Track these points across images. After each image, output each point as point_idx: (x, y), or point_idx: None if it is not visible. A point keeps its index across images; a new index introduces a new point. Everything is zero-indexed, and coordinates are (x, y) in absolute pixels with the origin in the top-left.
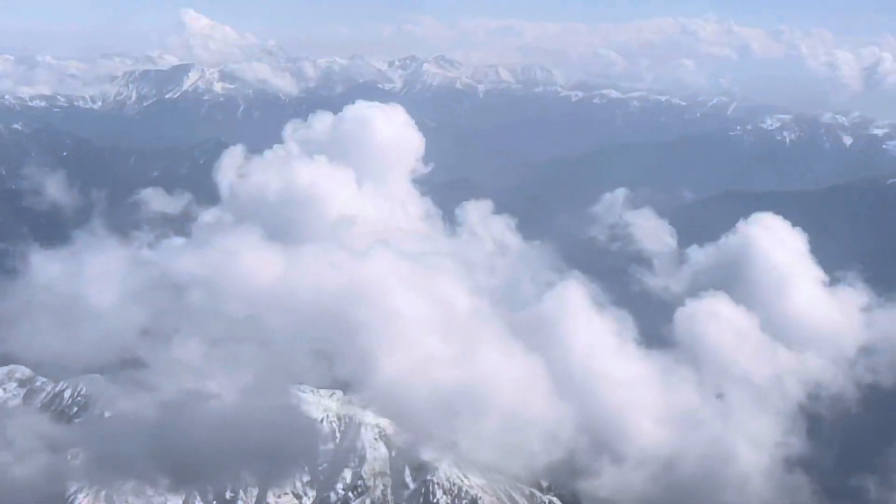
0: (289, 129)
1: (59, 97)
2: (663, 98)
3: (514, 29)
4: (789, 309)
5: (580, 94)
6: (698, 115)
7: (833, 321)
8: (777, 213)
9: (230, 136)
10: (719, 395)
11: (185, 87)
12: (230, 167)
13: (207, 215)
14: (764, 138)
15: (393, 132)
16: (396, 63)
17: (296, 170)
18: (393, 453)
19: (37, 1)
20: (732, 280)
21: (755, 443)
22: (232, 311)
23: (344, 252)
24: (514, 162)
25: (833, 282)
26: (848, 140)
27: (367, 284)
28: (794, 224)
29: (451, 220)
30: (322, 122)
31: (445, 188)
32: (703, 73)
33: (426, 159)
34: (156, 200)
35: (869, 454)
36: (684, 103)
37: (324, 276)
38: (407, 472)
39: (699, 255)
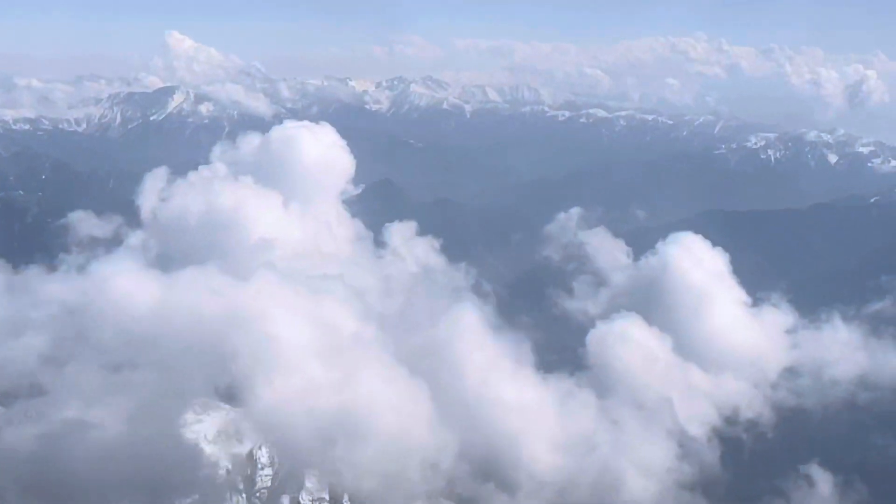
0: (217, 150)
1: (43, 120)
2: (650, 117)
3: (506, 49)
4: (706, 331)
5: (567, 113)
6: (685, 133)
7: (755, 343)
8: (755, 231)
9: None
10: (618, 420)
11: (169, 110)
12: (152, 189)
13: (133, 238)
14: (748, 157)
15: (322, 152)
16: (384, 84)
17: (218, 191)
18: (276, 481)
19: (22, 27)
20: (651, 301)
21: (649, 468)
22: (125, 337)
23: (232, 276)
24: (499, 182)
25: (799, 302)
26: (833, 158)
27: (251, 309)
28: (773, 242)
29: (380, 242)
30: (250, 142)
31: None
32: (689, 92)
33: (413, 179)
34: (84, 223)
35: (779, 478)
36: (671, 122)
37: (208, 301)
38: (287, 500)
39: (619, 276)
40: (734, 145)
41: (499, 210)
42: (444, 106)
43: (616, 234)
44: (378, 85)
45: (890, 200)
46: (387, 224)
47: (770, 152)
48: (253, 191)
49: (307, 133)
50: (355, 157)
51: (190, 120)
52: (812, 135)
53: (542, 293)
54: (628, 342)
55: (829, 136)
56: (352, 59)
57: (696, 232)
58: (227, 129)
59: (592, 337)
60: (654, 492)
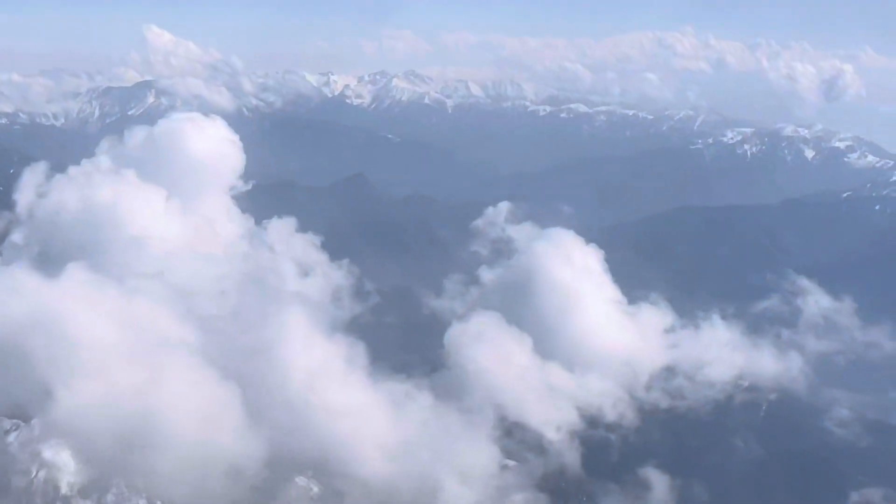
0: (104, 144)
1: (20, 114)
2: (630, 112)
3: (495, 43)
4: (574, 330)
5: (548, 108)
6: (664, 128)
7: (629, 344)
8: (727, 227)
9: None
10: (450, 424)
11: (147, 104)
12: (30, 185)
13: (15, 236)
14: (724, 152)
15: (210, 147)
16: (366, 78)
17: (97, 187)
18: (77, 488)
19: (2, 21)
20: (519, 300)
21: (471, 474)
22: None
23: (102, 274)
24: (476, 177)
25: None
26: (810, 153)
27: (56, 310)
28: (741, 237)
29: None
30: (136, 136)
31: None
32: (669, 87)
33: (388, 174)
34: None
35: (624, 479)
36: (651, 117)
37: (10, 302)
38: None
39: (488, 274)
40: (711, 140)
41: (463, 205)
42: (426, 101)
43: (579, 232)
44: (360, 79)
45: (861, 196)
46: (265, 221)
47: (746, 147)
48: (134, 186)
49: (194, 127)
50: (330, 151)
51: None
52: (789, 130)
53: (418, 292)
54: (483, 342)
55: (806, 131)
56: (340, 54)
57: (666, 227)
58: None
59: (450, 336)
60: (476, 498)
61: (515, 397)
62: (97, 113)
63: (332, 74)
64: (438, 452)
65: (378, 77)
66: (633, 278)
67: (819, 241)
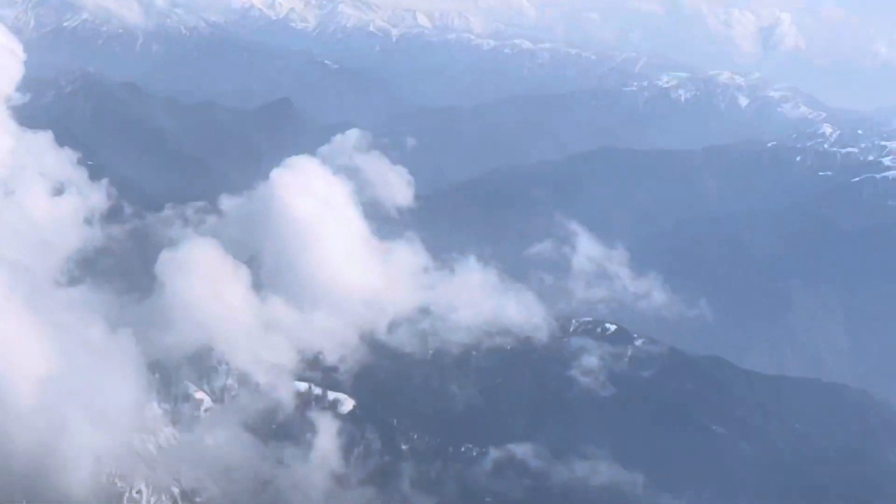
0: None
1: None
2: (574, 51)
3: None
4: (309, 266)
5: (492, 42)
6: (605, 69)
7: (372, 282)
8: (645, 171)
9: (123, 69)
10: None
11: (83, 16)
12: None
13: None
14: (658, 95)
15: None
16: (313, 2)
17: None
18: None
19: None
20: (254, 232)
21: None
22: None
23: None
24: (408, 108)
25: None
26: (744, 101)
27: None
28: (658, 182)
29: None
30: None
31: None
32: (610, 27)
33: (320, 101)
34: None
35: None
36: (594, 58)
37: None
38: None
39: (230, 203)
40: (645, 83)
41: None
42: (371, 28)
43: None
44: (307, 3)
45: (785, 146)
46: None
47: (681, 92)
48: None
49: None
50: (264, 74)
51: (104, 28)
52: (724, 76)
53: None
54: (195, 271)
55: (742, 79)
56: None
57: (581, 169)
58: (140, 41)
59: (161, 264)
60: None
61: (225, 333)
62: (32, 22)
63: None
64: (89, 386)
65: (325, 1)
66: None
67: (737, 189)
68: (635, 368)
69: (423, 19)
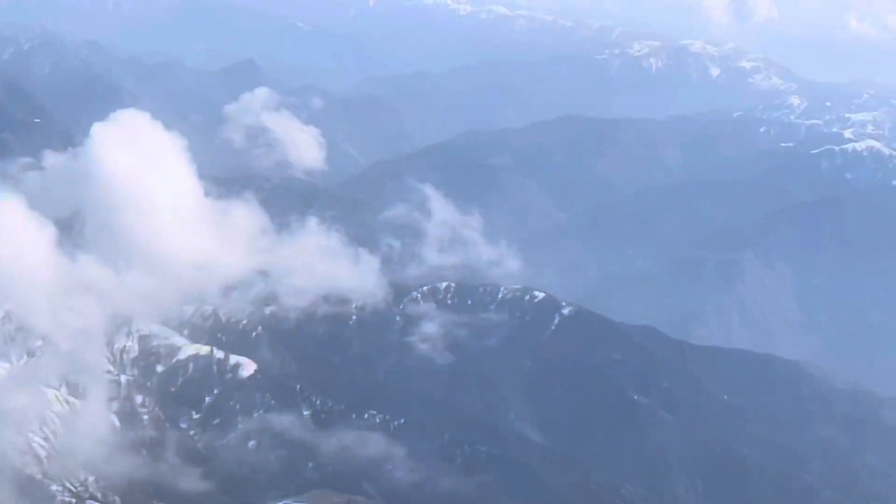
0: None
1: None
2: (550, 18)
3: None
4: (132, 227)
5: (469, 7)
6: (581, 37)
7: (203, 244)
8: (607, 139)
9: (94, 28)
10: None
11: None
12: None
13: None
14: (630, 64)
15: None
16: None
17: None
18: None
19: None
20: (75, 191)
21: None
22: None
23: None
24: (380, 72)
25: None
26: (715, 71)
27: None
28: (622, 150)
29: None
30: None
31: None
32: None
33: (296, 65)
34: None
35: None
36: (570, 24)
37: None
38: None
39: (54, 159)
40: (616, 51)
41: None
42: None
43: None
44: None
45: (752, 117)
46: None
47: (652, 61)
48: None
49: None
50: (235, 35)
51: None
52: (697, 46)
53: None
54: None
55: (715, 49)
56: None
57: (542, 136)
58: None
59: None
60: None
61: (26, 296)
62: None
63: None
64: None
65: None
66: None
67: (698, 159)
68: (558, 337)
69: None
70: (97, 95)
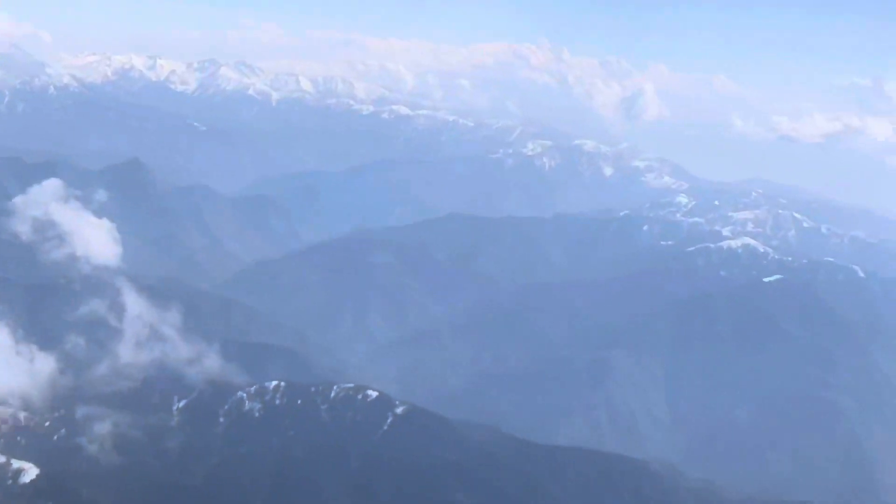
0: None
1: None
2: (451, 118)
3: (358, 42)
4: None
5: (371, 108)
6: (481, 136)
7: None
8: (485, 237)
9: None
10: None
11: None
12: None
13: None
14: (523, 163)
15: None
16: (195, 65)
17: None
18: None
19: None
20: None
21: None
22: None
23: None
24: (276, 171)
25: None
26: (608, 170)
27: None
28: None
29: None
30: None
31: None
32: (483, 96)
33: (190, 164)
34: None
35: None
36: (472, 124)
37: None
38: None
39: None
40: (510, 150)
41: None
42: (250, 92)
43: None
44: (189, 66)
45: (638, 215)
46: None
47: (545, 160)
48: None
49: None
50: (129, 135)
51: None
52: (589, 145)
53: None
54: None
55: (608, 148)
56: (203, 40)
57: (427, 234)
58: (7, 98)
59: None
60: None
61: None
62: None
63: (160, 59)
64: None
65: (207, 64)
66: None
67: (580, 257)
68: (389, 437)
69: (305, 84)
70: None
